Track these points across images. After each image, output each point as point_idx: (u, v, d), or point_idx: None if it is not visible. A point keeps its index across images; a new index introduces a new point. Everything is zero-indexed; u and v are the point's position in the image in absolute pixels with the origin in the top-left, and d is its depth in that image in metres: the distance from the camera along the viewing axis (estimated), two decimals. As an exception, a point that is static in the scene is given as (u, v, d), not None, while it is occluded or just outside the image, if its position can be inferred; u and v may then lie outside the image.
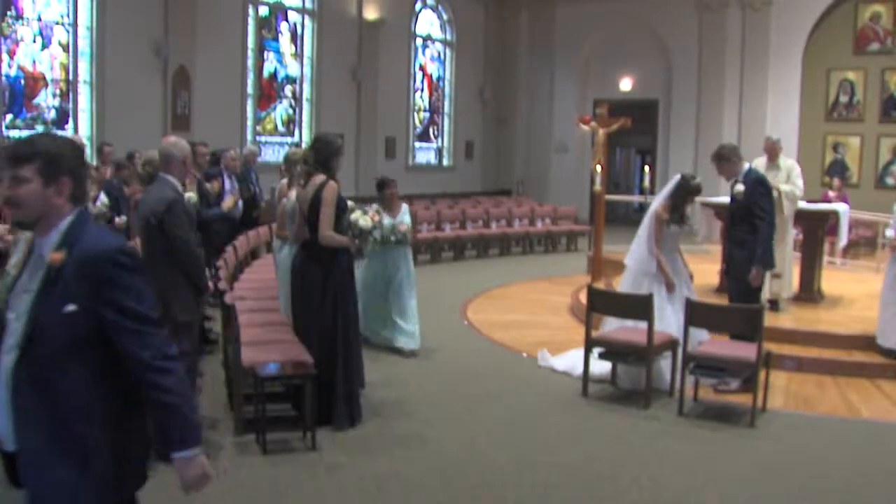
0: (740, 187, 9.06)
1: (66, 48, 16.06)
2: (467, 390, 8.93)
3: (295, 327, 7.82)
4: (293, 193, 8.20)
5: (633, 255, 9.58)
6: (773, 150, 11.55)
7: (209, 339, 10.05)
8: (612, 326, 9.27)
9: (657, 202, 9.46)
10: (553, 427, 7.86)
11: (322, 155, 7.64)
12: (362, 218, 7.52)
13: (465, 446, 7.24)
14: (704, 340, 8.85)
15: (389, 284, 10.35)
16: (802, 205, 11.70)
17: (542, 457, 7.05)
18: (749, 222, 9.02)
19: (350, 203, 7.79)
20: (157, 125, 16.51)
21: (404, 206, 10.72)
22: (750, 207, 9.00)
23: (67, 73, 16.10)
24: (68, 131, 15.70)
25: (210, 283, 7.00)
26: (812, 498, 6.39)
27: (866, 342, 9.89)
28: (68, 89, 16.12)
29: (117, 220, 11.29)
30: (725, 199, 10.41)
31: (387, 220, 10.10)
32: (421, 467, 6.69)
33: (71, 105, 16.15)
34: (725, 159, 9.18)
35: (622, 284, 9.57)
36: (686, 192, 9.24)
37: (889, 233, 9.76)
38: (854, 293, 12.49)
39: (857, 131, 23.37)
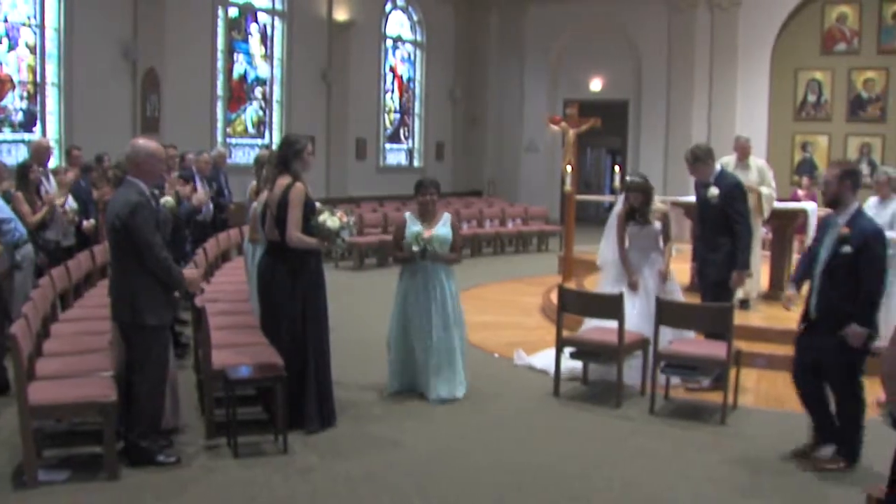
0: (714, 191, 8.97)
1: (33, 50, 15.88)
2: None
3: (264, 329, 7.78)
4: (264, 196, 8.15)
5: (603, 254, 9.68)
6: (743, 150, 11.61)
7: (180, 342, 9.99)
8: (590, 326, 9.33)
9: (617, 205, 9.61)
10: (525, 427, 7.87)
11: (283, 155, 7.61)
12: (330, 218, 7.47)
13: (438, 447, 7.23)
14: (688, 339, 8.91)
15: (421, 314, 8.54)
16: (773, 204, 11.77)
17: (514, 457, 7.05)
18: (722, 225, 8.97)
19: (319, 205, 7.75)
20: (126, 128, 16.37)
21: (445, 216, 8.76)
22: (725, 211, 8.96)
23: (35, 75, 15.93)
24: (36, 134, 15.56)
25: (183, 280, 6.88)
26: (783, 494, 6.42)
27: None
28: (36, 91, 15.95)
29: (85, 223, 11.23)
30: (693, 198, 10.39)
31: (415, 227, 8.60)
32: (393, 469, 6.68)
33: (39, 107, 15.97)
34: (701, 161, 9.10)
35: (600, 285, 9.62)
36: (626, 190, 9.34)
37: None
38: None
39: (825, 130, 23.52)
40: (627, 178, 9.78)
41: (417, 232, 8.51)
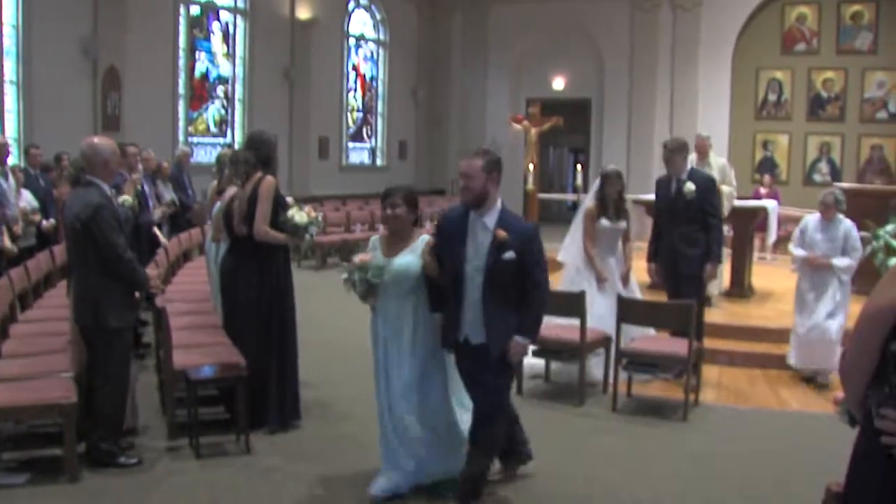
0: (691, 186, 9.09)
1: (-10, 48, 15.75)
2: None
3: (227, 329, 7.74)
4: (228, 194, 8.10)
5: (568, 251, 9.70)
6: (703, 148, 11.69)
7: (142, 343, 9.93)
8: (552, 324, 9.35)
9: (588, 199, 9.60)
10: (488, 425, 7.87)
11: (264, 154, 7.64)
12: (298, 214, 7.46)
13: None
14: (650, 336, 8.98)
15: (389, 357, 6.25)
16: (734, 202, 11.87)
17: (477, 455, 7.05)
18: (699, 221, 9.09)
19: (288, 198, 7.75)
20: (86, 126, 16.18)
21: (420, 240, 6.10)
22: (702, 206, 9.08)
23: (-8, 73, 15.79)
24: (-6, 133, 15.41)
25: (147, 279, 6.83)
26: (744, 489, 6.47)
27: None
28: (-7, 90, 15.81)
29: (45, 223, 11.14)
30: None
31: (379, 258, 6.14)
32: (357, 469, 6.66)
33: (-4, 106, 15.84)
34: (678, 153, 9.22)
35: (562, 283, 9.65)
36: (603, 179, 9.36)
37: (798, 252, 9.44)
38: (784, 288, 12.64)
39: (786, 129, 23.72)
40: (607, 167, 9.79)
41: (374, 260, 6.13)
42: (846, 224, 9.35)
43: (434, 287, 5.98)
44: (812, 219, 9.54)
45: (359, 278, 6.05)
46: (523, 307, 5.69)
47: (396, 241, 6.12)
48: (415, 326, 6.09)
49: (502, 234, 5.60)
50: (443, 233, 5.97)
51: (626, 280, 9.41)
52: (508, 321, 5.66)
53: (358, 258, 6.13)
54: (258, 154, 7.66)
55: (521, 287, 5.66)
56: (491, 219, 5.73)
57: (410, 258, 5.99)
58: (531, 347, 8.67)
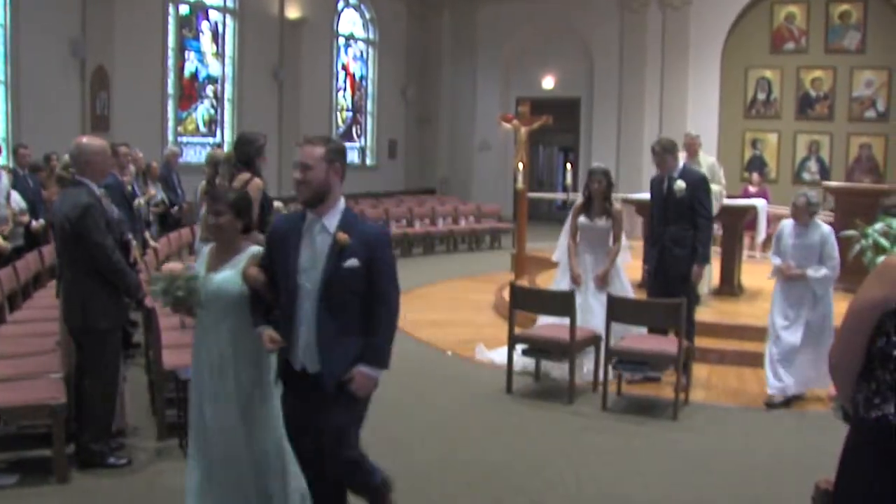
0: (682, 184, 9.08)
1: (-22, 48, 15.71)
2: (391, 389, 8.85)
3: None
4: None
5: (561, 248, 9.74)
6: (692, 147, 11.68)
7: (131, 343, 9.90)
8: (543, 323, 9.38)
9: (580, 198, 9.65)
10: (478, 424, 7.88)
11: (246, 154, 7.59)
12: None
13: (390, 445, 7.19)
14: (640, 335, 8.97)
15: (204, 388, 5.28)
16: (723, 201, 11.88)
17: (466, 454, 7.06)
18: (688, 219, 9.08)
19: (278, 203, 7.73)
20: (75, 126, 16.15)
21: (249, 252, 5.21)
22: (692, 205, 9.06)
23: (-20, 73, 15.75)
24: (-18, 133, 15.38)
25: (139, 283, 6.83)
26: (734, 487, 6.49)
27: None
28: (-19, 90, 15.77)
29: (34, 223, 11.11)
30: (645, 195, 10.46)
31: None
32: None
33: (-15, 106, 15.80)
34: (670, 152, 9.20)
35: (555, 282, 9.67)
36: (588, 176, 9.38)
37: (775, 260, 8.90)
38: (773, 286, 12.67)
39: (775, 128, 23.80)
40: (594, 164, 9.84)
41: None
42: (823, 230, 8.59)
43: (258, 300, 4.94)
44: (788, 223, 8.74)
45: (161, 289, 5.18)
46: (370, 329, 4.69)
47: (222, 252, 5.29)
48: (234, 355, 5.13)
49: (343, 236, 4.58)
50: (274, 238, 4.89)
51: (600, 280, 9.28)
52: (349, 346, 4.64)
53: (165, 267, 5.25)
54: (240, 154, 7.65)
55: (368, 304, 4.67)
56: (332, 220, 4.66)
57: (229, 273, 5.13)
58: (525, 347, 8.72)
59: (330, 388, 4.63)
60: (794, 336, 8.49)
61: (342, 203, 4.73)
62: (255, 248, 5.21)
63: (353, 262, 4.56)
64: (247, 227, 5.33)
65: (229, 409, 5.12)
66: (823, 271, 8.44)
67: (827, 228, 8.64)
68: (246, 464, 5.16)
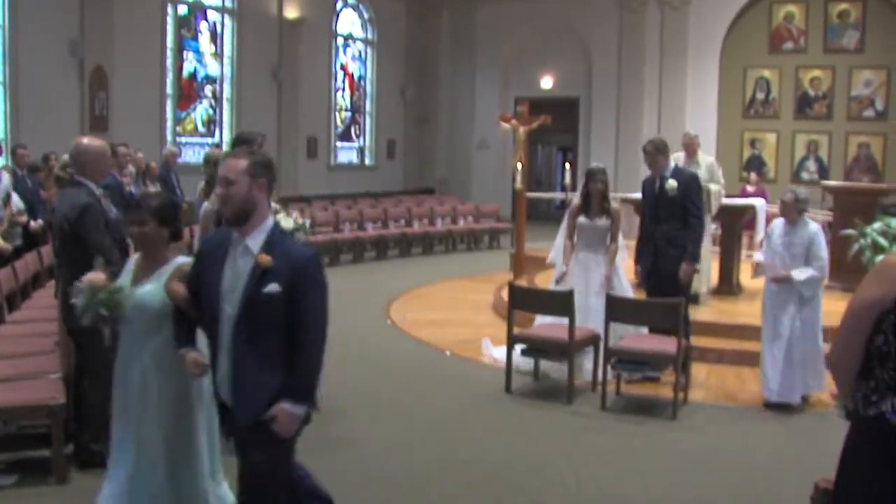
0: (673, 183, 9.06)
1: (-23, 48, 15.70)
2: (391, 389, 8.92)
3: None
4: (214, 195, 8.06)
5: (558, 249, 9.74)
6: (691, 147, 11.68)
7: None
8: (542, 323, 9.38)
9: (576, 199, 9.65)
10: (477, 424, 7.88)
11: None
12: (284, 219, 7.41)
13: (390, 445, 7.22)
14: (640, 334, 8.97)
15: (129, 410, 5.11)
16: (722, 200, 11.88)
17: (466, 454, 7.06)
18: (680, 219, 9.07)
19: (274, 205, 7.69)
20: (74, 126, 16.15)
21: (174, 264, 4.95)
22: (684, 204, 9.05)
23: (-21, 73, 15.75)
24: (-19, 133, 15.37)
25: None
26: (733, 487, 6.49)
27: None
28: (-20, 90, 15.76)
29: (33, 223, 11.11)
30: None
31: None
32: (346, 468, 6.64)
33: (-16, 106, 15.79)
34: (661, 152, 9.19)
35: (551, 282, 9.66)
36: (587, 176, 9.38)
37: (758, 257, 8.80)
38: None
39: (774, 128, 23.82)
40: (592, 164, 9.82)
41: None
42: (811, 228, 8.27)
43: (181, 317, 4.58)
44: (779, 222, 8.48)
45: (82, 304, 4.92)
46: (293, 362, 4.20)
47: (147, 263, 5.01)
48: (158, 376, 4.88)
49: (265, 259, 4.14)
50: (202, 254, 4.51)
51: (609, 282, 9.27)
52: (269, 381, 4.18)
53: (87, 278, 4.97)
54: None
55: (292, 335, 4.19)
56: (256, 240, 4.21)
57: (152, 286, 4.87)
58: (523, 346, 8.70)
59: (242, 424, 4.25)
60: (782, 340, 8.26)
61: (269, 222, 4.28)
62: (182, 260, 4.92)
63: (273, 288, 4.10)
64: (174, 235, 5.02)
65: (153, 440, 4.91)
66: (809, 272, 8.14)
67: (815, 227, 8.34)
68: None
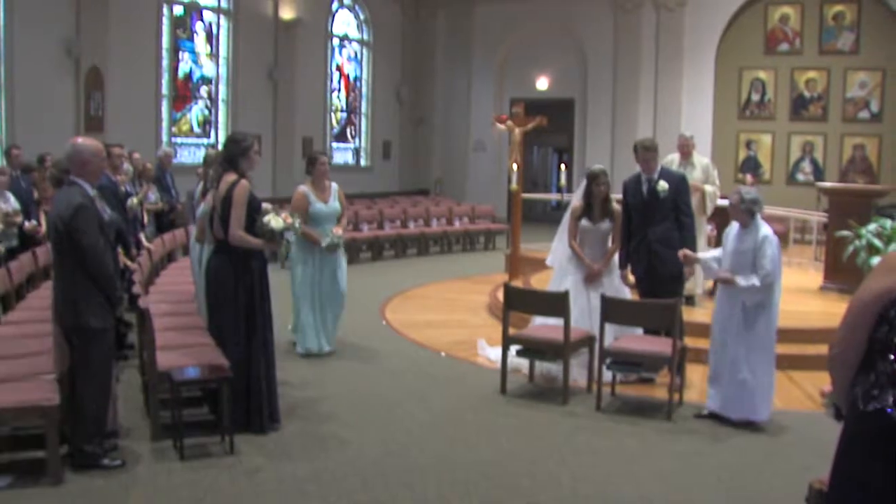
0: (664, 184, 9.08)
1: (-28, 48, 15.67)
2: (386, 390, 8.91)
3: (210, 329, 7.72)
4: (211, 195, 8.07)
5: (555, 254, 9.74)
6: (685, 148, 11.69)
7: (126, 344, 9.90)
8: (538, 324, 9.39)
9: (575, 199, 9.64)
10: (472, 425, 7.88)
11: (230, 153, 7.54)
12: (274, 219, 7.39)
13: (385, 446, 7.22)
14: (634, 335, 8.95)
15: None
16: (717, 201, 11.89)
17: (461, 455, 7.06)
18: (672, 219, 9.09)
19: (266, 205, 7.68)
20: (69, 127, 16.16)
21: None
22: (677, 204, 9.08)
23: (-26, 74, 15.72)
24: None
25: (122, 294, 6.84)
26: (728, 489, 6.49)
27: (780, 335, 10.03)
28: (-25, 91, 15.74)
29: (27, 224, 11.09)
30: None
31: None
32: (341, 469, 6.66)
33: (-22, 107, 15.77)
34: (652, 152, 9.21)
35: (552, 283, 9.66)
36: (590, 179, 9.38)
37: (702, 254, 8.55)
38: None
39: (769, 129, 23.86)
40: (593, 166, 9.79)
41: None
42: (761, 233, 7.67)
43: None
44: (734, 228, 7.94)
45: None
46: None
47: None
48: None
49: None
50: None
51: (596, 277, 9.31)
52: None
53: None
54: (225, 153, 7.63)
55: None
56: None
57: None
58: (515, 348, 8.72)
59: None
60: (722, 350, 7.92)
61: None
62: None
63: None
64: None
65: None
66: (753, 279, 7.58)
67: (764, 233, 7.67)
68: None
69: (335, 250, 10.10)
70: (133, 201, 10.51)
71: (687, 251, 8.71)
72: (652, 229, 9.16)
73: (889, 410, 3.17)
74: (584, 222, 9.37)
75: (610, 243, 9.42)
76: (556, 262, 9.78)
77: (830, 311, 11.06)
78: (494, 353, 9.85)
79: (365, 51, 26.29)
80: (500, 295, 9.88)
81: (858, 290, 3.34)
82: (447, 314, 13.03)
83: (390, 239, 20.19)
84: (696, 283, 11.41)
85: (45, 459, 6.22)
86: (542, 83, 26.32)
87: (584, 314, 8.92)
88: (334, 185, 10.38)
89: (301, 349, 10.08)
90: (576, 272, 9.44)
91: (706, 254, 8.55)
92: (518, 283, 12.53)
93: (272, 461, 6.77)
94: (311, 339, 10.05)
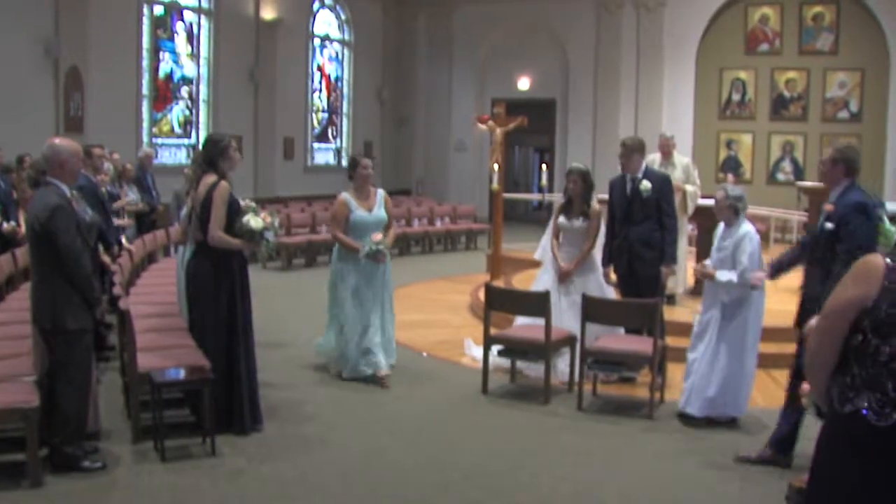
0: (647, 184, 9.07)
1: (-50, 48, 15.57)
2: (368, 391, 8.90)
3: (191, 330, 7.69)
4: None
5: (543, 248, 9.77)
6: (666, 148, 11.73)
7: (106, 346, 9.85)
8: (520, 324, 9.39)
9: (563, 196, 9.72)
10: (454, 425, 7.89)
11: (209, 155, 7.52)
12: (253, 219, 7.36)
13: (367, 447, 7.21)
14: (616, 334, 8.97)
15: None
16: (698, 201, 11.92)
17: (443, 455, 7.06)
18: (655, 219, 9.09)
19: (245, 203, 7.64)
20: (48, 127, 16.04)
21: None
22: (659, 204, 9.08)
23: (-49, 73, 15.62)
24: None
25: (100, 296, 6.80)
26: (710, 487, 6.51)
27: (763, 334, 10.02)
28: (-47, 91, 15.63)
29: (6, 225, 11.01)
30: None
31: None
32: (323, 470, 6.65)
33: (-44, 107, 15.66)
34: (638, 152, 9.18)
35: (537, 282, 9.66)
36: (566, 176, 9.41)
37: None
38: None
39: (749, 129, 23.97)
40: (572, 164, 9.84)
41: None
42: (741, 231, 7.63)
43: None
44: (720, 227, 7.97)
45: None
46: None
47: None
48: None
49: None
50: None
51: (565, 276, 9.30)
52: None
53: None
54: (204, 154, 7.60)
55: None
56: None
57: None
58: (496, 348, 8.73)
59: None
60: (700, 346, 7.91)
61: None
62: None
63: None
64: None
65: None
66: (730, 275, 7.50)
67: (747, 229, 7.65)
68: None
69: (380, 259, 9.02)
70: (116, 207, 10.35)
71: (666, 270, 8.83)
72: (633, 228, 9.16)
73: (864, 412, 3.20)
74: (561, 219, 9.39)
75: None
76: (544, 256, 9.82)
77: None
78: (481, 353, 9.86)
79: (346, 51, 26.25)
80: (482, 295, 9.88)
81: (831, 298, 3.37)
82: (429, 314, 13.02)
83: (372, 239, 20.13)
84: (677, 282, 11.44)
85: (25, 462, 6.19)
86: (524, 83, 26.34)
87: (557, 314, 8.89)
88: (380, 192, 9.67)
89: (365, 369, 9.11)
90: (551, 270, 9.46)
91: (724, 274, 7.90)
92: (499, 283, 12.55)
93: (254, 463, 6.76)
94: (381, 361, 9.07)
